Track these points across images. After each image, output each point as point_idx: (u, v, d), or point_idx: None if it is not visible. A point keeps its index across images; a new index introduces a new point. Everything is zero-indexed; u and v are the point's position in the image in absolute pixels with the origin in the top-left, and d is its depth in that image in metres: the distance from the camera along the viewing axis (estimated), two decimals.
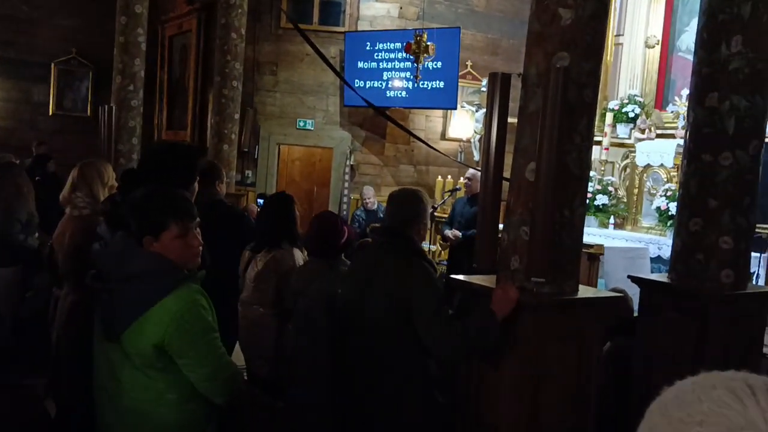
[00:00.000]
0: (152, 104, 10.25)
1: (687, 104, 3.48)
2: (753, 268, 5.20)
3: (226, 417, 2.40)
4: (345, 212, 9.27)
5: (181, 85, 10.37)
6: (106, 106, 6.89)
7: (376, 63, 9.33)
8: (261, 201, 7.69)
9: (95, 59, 10.82)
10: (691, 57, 3.31)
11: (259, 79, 9.61)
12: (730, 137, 3.00)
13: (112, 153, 6.70)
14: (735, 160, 3.00)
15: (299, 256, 3.58)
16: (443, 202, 7.81)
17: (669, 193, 7.11)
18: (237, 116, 8.68)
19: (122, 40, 7.62)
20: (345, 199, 9.47)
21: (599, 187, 7.83)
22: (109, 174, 3.70)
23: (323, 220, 3.26)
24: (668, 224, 7.05)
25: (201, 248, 2.26)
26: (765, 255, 5.71)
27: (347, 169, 9.52)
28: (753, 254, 3.88)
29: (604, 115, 8.18)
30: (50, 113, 11.06)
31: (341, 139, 9.72)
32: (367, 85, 9.32)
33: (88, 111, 11.02)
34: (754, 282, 5.45)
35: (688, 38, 7.72)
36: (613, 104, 8.30)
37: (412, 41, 7.56)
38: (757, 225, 4.20)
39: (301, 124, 9.69)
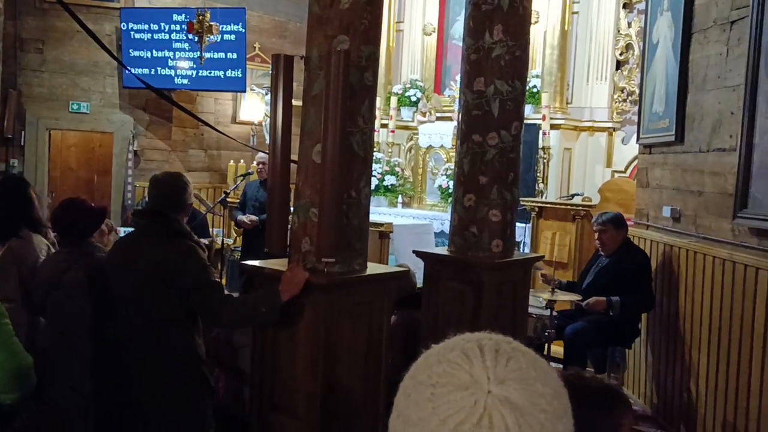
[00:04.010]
0: None
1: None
2: (519, 238, 5.77)
3: None
4: (130, 201, 8.70)
5: None
6: None
7: (157, 42, 8.82)
8: None
9: None
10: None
11: (23, 57, 8.64)
12: (496, 119, 3.29)
13: None
14: (500, 140, 3.30)
15: (41, 242, 3.34)
16: (235, 187, 7.63)
17: (449, 172, 7.62)
18: None
19: None
20: (129, 188, 8.89)
21: (387, 168, 8.17)
22: None
23: (66, 205, 3.14)
24: (449, 201, 7.57)
25: None
26: (528, 225, 6.36)
27: (130, 156, 8.93)
28: (519, 224, 4.30)
29: (389, 99, 8.54)
30: None
31: (122, 123, 9.08)
32: (149, 66, 8.78)
33: None
34: (521, 250, 6.06)
35: (460, 27, 8.29)
36: (397, 88, 8.69)
37: (195, 20, 7.26)
38: (521, 198, 4.65)
39: (75, 107, 8.88)
